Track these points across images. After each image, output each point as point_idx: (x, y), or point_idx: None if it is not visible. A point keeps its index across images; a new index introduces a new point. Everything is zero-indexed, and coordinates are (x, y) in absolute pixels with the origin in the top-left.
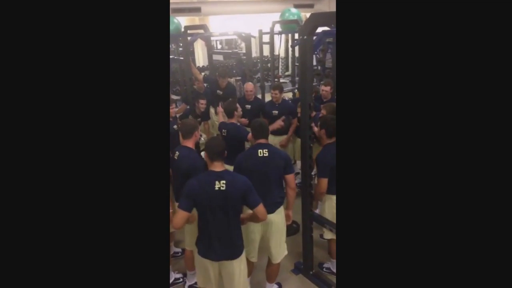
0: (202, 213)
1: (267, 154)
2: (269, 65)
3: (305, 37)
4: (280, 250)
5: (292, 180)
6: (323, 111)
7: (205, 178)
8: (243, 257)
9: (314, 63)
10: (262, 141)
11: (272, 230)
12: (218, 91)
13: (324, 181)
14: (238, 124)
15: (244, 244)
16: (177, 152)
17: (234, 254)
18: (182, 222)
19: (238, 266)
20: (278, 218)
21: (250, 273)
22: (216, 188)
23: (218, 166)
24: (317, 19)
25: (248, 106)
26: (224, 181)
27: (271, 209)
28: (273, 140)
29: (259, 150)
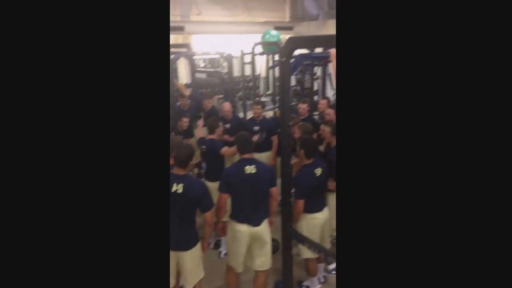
0: None
1: (254, 171)
2: (250, 84)
3: (284, 59)
4: (266, 259)
5: (276, 192)
6: (297, 131)
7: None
8: (196, 248)
9: (294, 83)
10: (248, 156)
11: (259, 242)
12: (200, 112)
13: (301, 203)
14: (216, 140)
15: (231, 255)
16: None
17: (187, 246)
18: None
19: (191, 257)
20: (264, 230)
21: (234, 286)
22: (173, 191)
23: (180, 171)
24: (295, 42)
25: (227, 125)
26: (182, 184)
27: (258, 222)
28: (254, 157)
29: (246, 167)
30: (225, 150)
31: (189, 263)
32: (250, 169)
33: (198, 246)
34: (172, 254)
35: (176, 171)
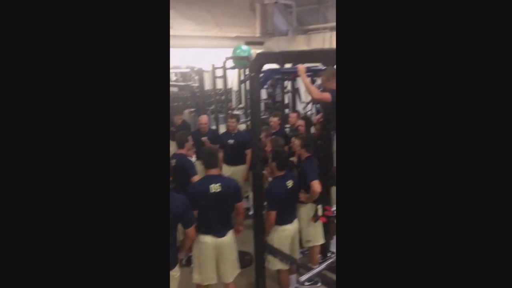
0: None
1: (219, 189)
2: (222, 97)
3: (253, 74)
4: (233, 269)
5: (241, 207)
6: (269, 145)
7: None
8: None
9: (265, 97)
10: (213, 172)
11: (224, 252)
12: (171, 128)
13: (273, 214)
14: (187, 159)
15: (197, 268)
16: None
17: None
18: None
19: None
20: (229, 241)
21: None
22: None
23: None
24: (263, 58)
25: (204, 138)
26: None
27: (222, 234)
28: (228, 170)
29: (211, 186)
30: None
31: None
32: (215, 187)
33: (177, 267)
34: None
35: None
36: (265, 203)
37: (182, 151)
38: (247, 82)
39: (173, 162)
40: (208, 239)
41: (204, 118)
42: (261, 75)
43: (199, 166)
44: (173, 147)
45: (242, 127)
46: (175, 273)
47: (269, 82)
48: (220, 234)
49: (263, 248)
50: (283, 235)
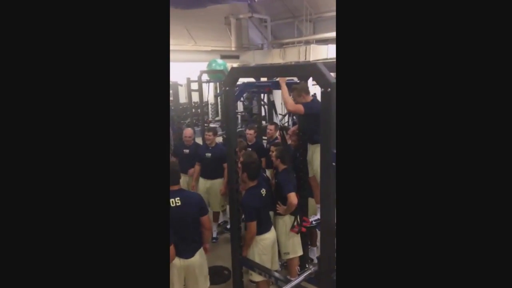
0: None
1: (179, 203)
2: (199, 110)
3: (228, 88)
4: (204, 286)
5: (206, 221)
6: (241, 158)
7: None
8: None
9: (242, 109)
10: (175, 188)
11: (194, 273)
12: None
13: (253, 224)
14: None
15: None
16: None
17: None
18: None
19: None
20: (198, 260)
21: None
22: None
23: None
24: (237, 72)
25: (187, 151)
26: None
27: (190, 254)
28: (205, 183)
29: (171, 200)
30: None
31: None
32: (174, 202)
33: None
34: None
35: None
36: (242, 217)
37: None
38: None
39: None
40: (175, 261)
41: (188, 131)
42: (236, 88)
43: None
44: None
45: (219, 139)
46: None
47: (245, 95)
48: (188, 255)
49: (241, 263)
50: (264, 245)
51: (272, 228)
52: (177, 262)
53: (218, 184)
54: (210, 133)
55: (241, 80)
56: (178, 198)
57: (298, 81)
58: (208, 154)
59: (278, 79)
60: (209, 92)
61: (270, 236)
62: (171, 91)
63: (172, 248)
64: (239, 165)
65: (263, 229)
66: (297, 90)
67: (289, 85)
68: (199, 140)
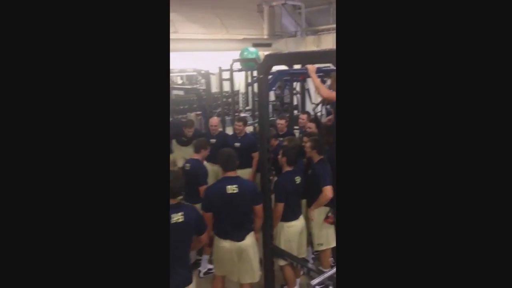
0: None
1: (236, 190)
2: (229, 100)
3: (261, 76)
4: (253, 272)
5: (260, 210)
6: (286, 143)
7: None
8: None
9: (273, 98)
10: (231, 174)
11: (244, 256)
12: (183, 137)
13: (280, 205)
14: (202, 165)
15: (222, 270)
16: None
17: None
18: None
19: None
20: (249, 244)
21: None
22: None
23: (175, 200)
24: (272, 59)
25: (213, 140)
26: (181, 213)
27: (241, 238)
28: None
29: (227, 187)
30: (201, 190)
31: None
32: (231, 188)
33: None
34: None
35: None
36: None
37: (198, 157)
38: (255, 84)
39: (187, 166)
40: (227, 244)
41: (214, 120)
42: (270, 76)
43: (209, 167)
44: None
45: (250, 129)
46: None
47: (277, 83)
48: (239, 238)
49: (272, 252)
50: (290, 232)
51: (301, 217)
52: (227, 245)
53: (246, 174)
54: (240, 123)
55: (274, 69)
56: (236, 186)
57: (334, 68)
58: (237, 144)
59: (307, 66)
60: (241, 81)
61: (298, 223)
62: (204, 80)
63: (205, 235)
64: (272, 150)
65: (291, 216)
66: (334, 77)
67: (328, 72)
68: (229, 130)
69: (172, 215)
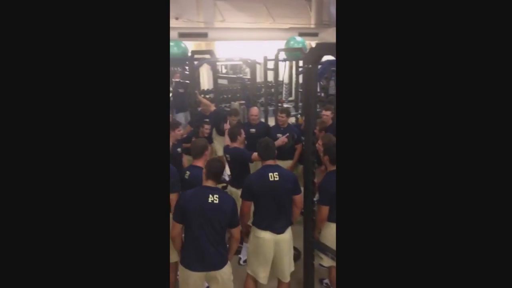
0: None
1: (277, 178)
2: (272, 90)
3: (310, 65)
4: (290, 268)
5: (300, 200)
6: (320, 142)
7: (199, 192)
8: (227, 267)
9: (317, 90)
10: (271, 162)
11: (282, 249)
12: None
13: (325, 209)
14: (241, 148)
15: (252, 263)
16: (187, 172)
17: (220, 264)
18: (175, 233)
19: (221, 276)
20: (287, 238)
21: None
22: (209, 201)
23: (212, 184)
24: (322, 49)
25: (253, 130)
26: (217, 196)
27: (281, 230)
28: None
29: (269, 174)
30: (255, 155)
31: (221, 283)
32: (273, 176)
33: (229, 264)
34: (201, 275)
35: (207, 183)
36: (315, 198)
37: (236, 144)
38: (300, 75)
39: (227, 156)
40: (266, 235)
41: (254, 110)
42: (319, 67)
43: None
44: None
45: (292, 120)
46: (226, 271)
47: (325, 75)
48: (280, 230)
49: (313, 245)
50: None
51: None
52: (268, 236)
53: (286, 165)
54: (283, 115)
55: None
56: (277, 173)
57: None
58: (279, 135)
59: None
60: (285, 72)
61: None
62: (249, 70)
63: (238, 229)
64: (321, 147)
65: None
66: None
67: None
68: (271, 121)
69: (209, 195)
